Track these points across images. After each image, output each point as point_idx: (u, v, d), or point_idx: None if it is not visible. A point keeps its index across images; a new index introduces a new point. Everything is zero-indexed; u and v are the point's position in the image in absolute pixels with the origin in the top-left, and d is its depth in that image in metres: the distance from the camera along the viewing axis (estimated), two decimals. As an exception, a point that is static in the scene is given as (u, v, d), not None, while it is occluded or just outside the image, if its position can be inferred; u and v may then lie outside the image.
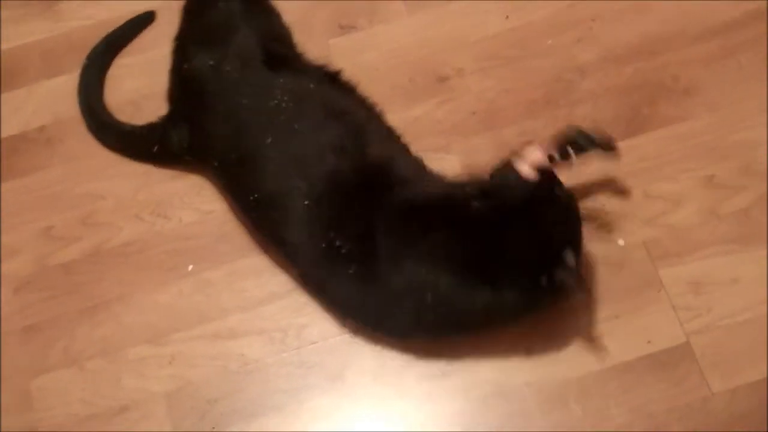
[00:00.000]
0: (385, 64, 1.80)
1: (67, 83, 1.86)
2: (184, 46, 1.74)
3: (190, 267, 1.68)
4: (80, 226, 1.73)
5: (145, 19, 1.90)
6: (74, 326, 1.66)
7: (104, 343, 1.64)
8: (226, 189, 1.67)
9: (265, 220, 1.60)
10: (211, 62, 1.65)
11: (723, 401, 1.52)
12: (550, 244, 1.41)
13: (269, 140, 1.56)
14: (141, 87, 1.84)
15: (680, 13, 1.82)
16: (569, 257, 1.40)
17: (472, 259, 1.43)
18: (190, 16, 1.78)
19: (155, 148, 1.72)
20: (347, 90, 1.70)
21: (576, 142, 1.51)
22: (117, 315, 1.66)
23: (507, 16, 1.84)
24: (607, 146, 1.54)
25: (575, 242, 1.46)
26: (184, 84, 1.71)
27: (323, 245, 1.49)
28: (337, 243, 1.47)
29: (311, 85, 1.64)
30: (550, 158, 1.48)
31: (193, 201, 1.73)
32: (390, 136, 1.67)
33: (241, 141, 1.59)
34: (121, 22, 1.90)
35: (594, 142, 1.52)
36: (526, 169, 1.42)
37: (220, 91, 1.63)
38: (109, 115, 1.80)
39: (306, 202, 1.51)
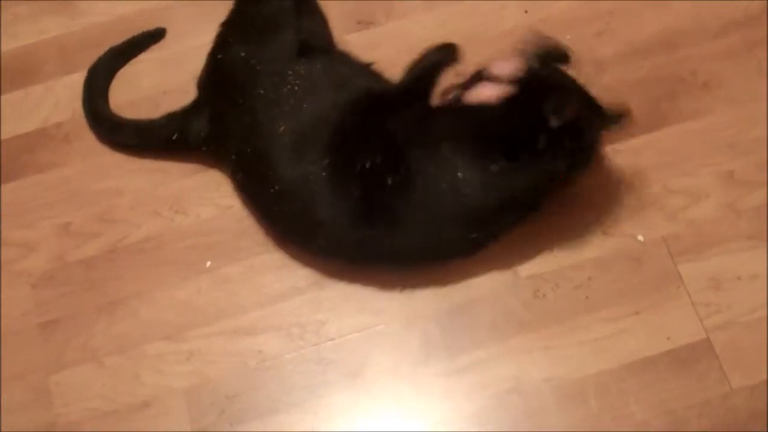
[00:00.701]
0: (403, 59, 1.77)
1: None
2: (225, 35, 1.73)
3: (209, 263, 1.68)
4: (98, 222, 1.74)
5: (156, 35, 1.89)
6: (92, 322, 1.66)
7: (123, 339, 1.65)
8: (244, 185, 1.67)
9: (289, 214, 1.58)
10: (243, 54, 1.65)
11: (743, 397, 1.52)
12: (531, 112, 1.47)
13: (281, 128, 1.56)
14: (159, 83, 1.83)
15: (698, 7, 1.80)
16: (549, 107, 1.45)
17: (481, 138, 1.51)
18: (241, 5, 1.77)
19: (175, 135, 1.71)
20: (354, 63, 1.72)
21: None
22: (135, 311, 1.66)
23: (526, 11, 1.83)
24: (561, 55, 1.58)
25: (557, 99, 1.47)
26: (215, 73, 1.71)
27: (359, 193, 1.51)
28: (367, 165, 1.50)
29: (318, 66, 1.64)
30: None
31: (212, 196, 1.73)
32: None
33: (256, 133, 1.59)
34: (138, 17, 1.89)
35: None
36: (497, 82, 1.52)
37: (244, 83, 1.63)
38: (120, 117, 1.80)
39: (324, 174, 1.52)
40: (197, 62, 1.75)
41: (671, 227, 1.63)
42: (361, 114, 1.56)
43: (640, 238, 1.63)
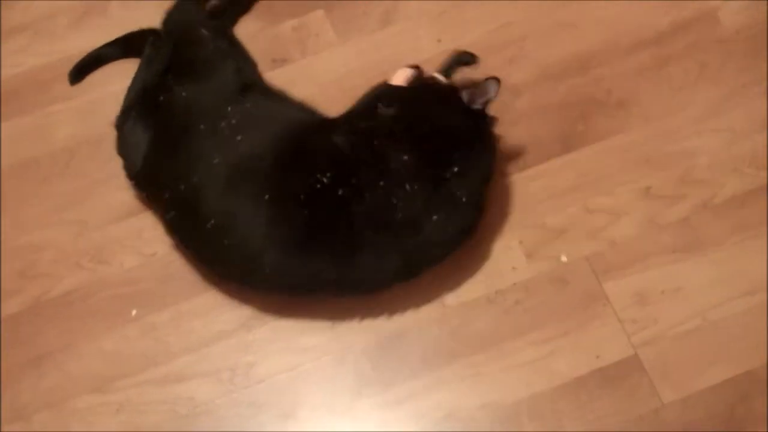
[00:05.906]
0: (322, 94, 1.79)
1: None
2: (165, 77, 1.71)
3: (134, 312, 1.66)
4: (20, 278, 1.71)
5: None
6: (19, 379, 1.63)
7: (50, 394, 1.62)
8: (176, 225, 1.64)
9: (227, 248, 1.55)
10: (185, 94, 1.66)
11: (675, 411, 1.54)
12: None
13: (216, 160, 1.56)
14: (75, 133, 1.80)
15: (608, 27, 1.83)
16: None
17: None
18: (179, 49, 1.76)
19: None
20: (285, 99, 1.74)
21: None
22: (62, 365, 1.64)
23: (439, 40, 1.84)
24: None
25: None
26: (156, 114, 1.68)
27: (303, 218, 1.52)
28: (318, 185, 1.52)
29: (257, 101, 1.67)
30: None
31: (134, 244, 1.71)
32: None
33: (192, 168, 1.58)
34: (52, 68, 1.85)
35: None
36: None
37: (184, 122, 1.63)
38: None
39: (264, 203, 1.53)
40: (112, 109, 1.73)
41: (593, 246, 1.65)
42: (305, 136, 1.60)
43: (564, 259, 1.64)
